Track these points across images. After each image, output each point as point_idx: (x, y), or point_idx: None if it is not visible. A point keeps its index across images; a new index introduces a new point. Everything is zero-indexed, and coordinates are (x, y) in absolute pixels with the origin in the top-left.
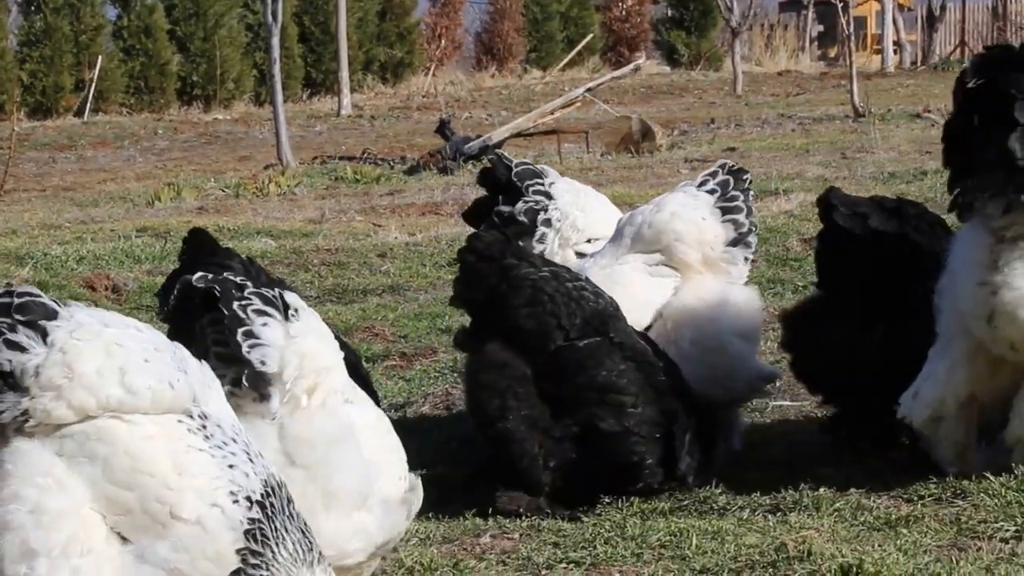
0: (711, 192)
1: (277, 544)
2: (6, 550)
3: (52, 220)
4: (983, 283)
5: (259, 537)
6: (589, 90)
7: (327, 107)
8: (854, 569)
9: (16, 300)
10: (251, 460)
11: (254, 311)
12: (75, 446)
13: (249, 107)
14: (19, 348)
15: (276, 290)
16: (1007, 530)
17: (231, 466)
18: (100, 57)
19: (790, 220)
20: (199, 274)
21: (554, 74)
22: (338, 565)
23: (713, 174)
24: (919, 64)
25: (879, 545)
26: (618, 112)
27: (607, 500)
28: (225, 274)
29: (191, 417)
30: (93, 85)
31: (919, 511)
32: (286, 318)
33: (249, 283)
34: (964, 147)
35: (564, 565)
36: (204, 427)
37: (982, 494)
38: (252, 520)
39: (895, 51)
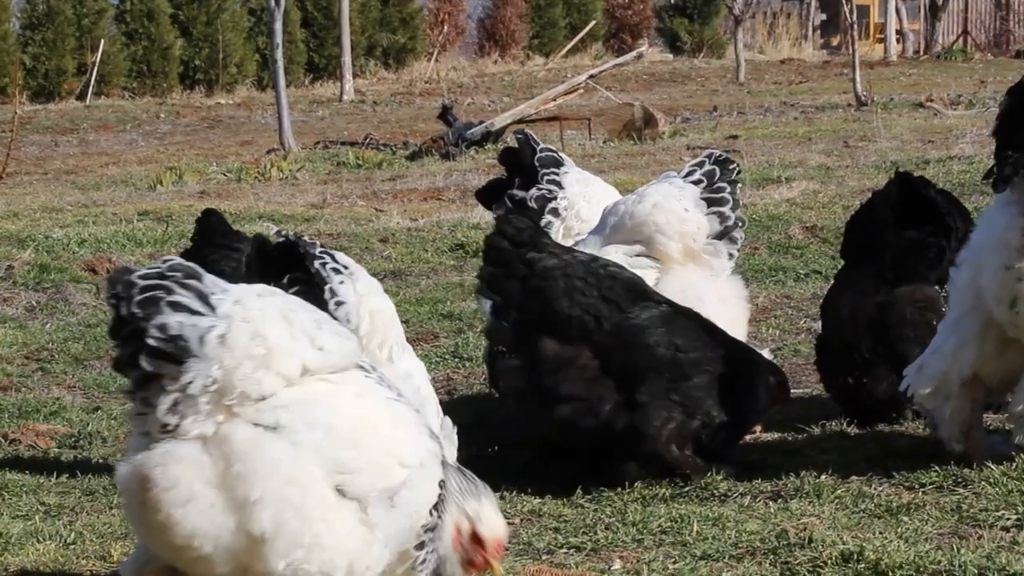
0: (696, 183)
1: (449, 476)
2: (277, 550)
3: (54, 203)
4: (1009, 267)
5: (445, 466)
6: (592, 77)
7: (329, 92)
8: (855, 556)
9: (175, 264)
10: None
11: (332, 269)
12: (291, 416)
13: (251, 92)
14: (191, 312)
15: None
16: (1008, 518)
17: (416, 410)
18: (103, 41)
19: (792, 208)
20: (275, 229)
21: (557, 61)
22: None
23: (700, 164)
24: (922, 53)
25: (880, 532)
26: (620, 99)
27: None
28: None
29: (366, 370)
30: (95, 69)
31: (920, 499)
32: (351, 276)
33: (317, 241)
34: (1019, 122)
35: (565, 550)
36: (381, 378)
37: (983, 482)
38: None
39: (898, 40)
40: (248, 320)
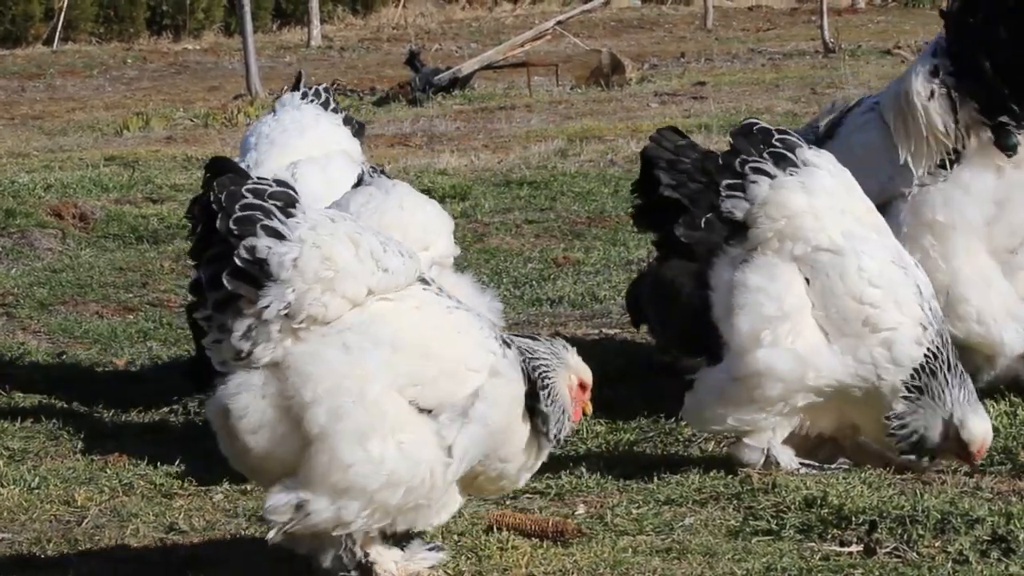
0: None
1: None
2: (344, 434)
3: (20, 148)
4: None
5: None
6: (560, 23)
7: (297, 38)
8: (818, 501)
9: (276, 192)
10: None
11: (752, 168)
12: (357, 338)
13: (219, 37)
14: (279, 237)
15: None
16: None
17: (479, 315)
18: None
19: None
20: (751, 122)
21: (525, 7)
22: None
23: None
24: (890, 1)
25: (843, 478)
26: (588, 45)
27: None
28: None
29: (426, 283)
30: (63, 14)
31: None
32: (776, 177)
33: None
34: None
35: (529, 496)
36: (440, 290)
37: None
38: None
39: None
40: (319, 244)
